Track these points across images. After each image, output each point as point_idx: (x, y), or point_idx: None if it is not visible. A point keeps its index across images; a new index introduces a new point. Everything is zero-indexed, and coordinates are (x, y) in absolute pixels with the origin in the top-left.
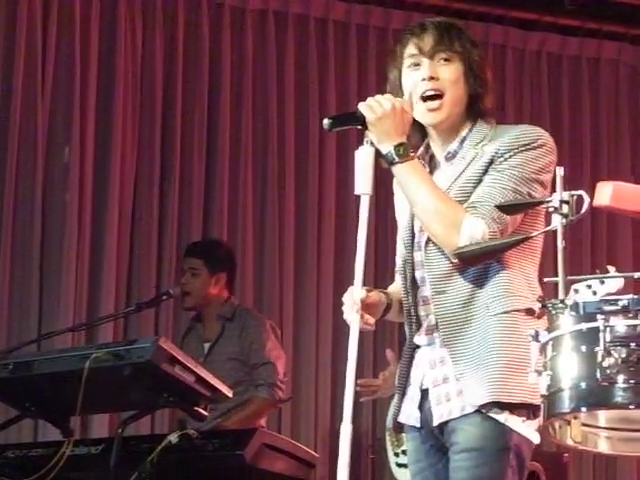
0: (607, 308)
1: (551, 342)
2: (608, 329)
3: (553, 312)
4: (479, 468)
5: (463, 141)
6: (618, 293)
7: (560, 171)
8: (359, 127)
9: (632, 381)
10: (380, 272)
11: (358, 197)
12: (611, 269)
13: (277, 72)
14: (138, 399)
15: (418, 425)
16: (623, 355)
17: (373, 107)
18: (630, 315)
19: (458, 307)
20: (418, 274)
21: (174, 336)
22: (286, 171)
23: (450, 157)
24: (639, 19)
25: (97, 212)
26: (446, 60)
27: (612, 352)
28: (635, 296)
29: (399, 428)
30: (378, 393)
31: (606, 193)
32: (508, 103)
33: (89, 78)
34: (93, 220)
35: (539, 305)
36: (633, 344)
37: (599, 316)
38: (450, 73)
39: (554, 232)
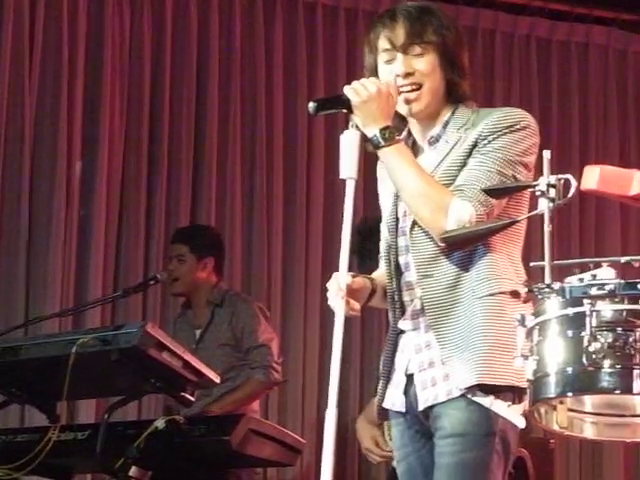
0: (594, 292)
1: (537, 327)
2: (594, 314)
3: (539, 296)
4: (465, 453)
5: (446, 125)
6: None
7: (547, 154)
8: (344, 111)
9: (618, 366)
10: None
11: (345, 182)
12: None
13: (265, 56)
14: (125, 384)
15: (403, 410)
16: (609, 340)
17: (358, 90)
18: (616, 300)
19: (444, 290)
20: (402, 259)
21: (162, 321)
22: (274, 156)
23: (433, 141)
24: (628, 4)
25: (85, 197)
26: (420, 53)
27: (598, 337)
28: (622, 280)
29: (384, 415)
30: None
31: (593, 177)
32: (497, 87)
33: (77, 64)
34: (81, 205)
35: (525, 289)
36: (619, 329)
37: (585, 300)
38: (425, 65)
39: (541, 216)
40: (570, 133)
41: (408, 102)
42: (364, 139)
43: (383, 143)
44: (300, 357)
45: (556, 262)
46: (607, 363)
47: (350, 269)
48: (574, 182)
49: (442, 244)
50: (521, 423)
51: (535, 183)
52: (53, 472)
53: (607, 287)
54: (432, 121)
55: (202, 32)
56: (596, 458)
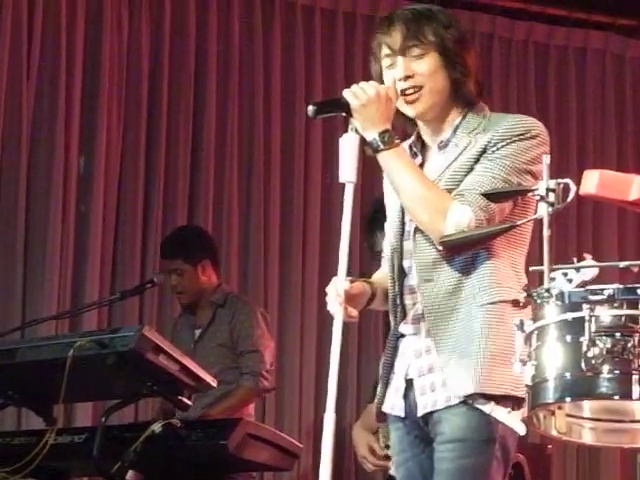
0: (593, 298)
1: (536, 332)
2: (593, 319)
3: (538, 301)
4: (464, 459)
5: (456, 129)
6: (594, 281)
7: (546, 159)
8: (344, 114)
9: (617, 371)
10: (365, 260)
11: (344, 185)
12: (587, 257)
13: (264, 59)
14: (122, 388)
15: (402, 415)
16: (608, 345)
17: (357, 94)
18: (616, 305)
19: (444, 296)
20: (406, 263)
21: (158, 324)
22: (271, 159)
23: (443, 146)
24: (626, 9)
25: (82, 200)
26: (420, 55)
27: (597, 342)
28: (621, 286)
29: (382, 418)
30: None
31: (592, 181)
32: (495, 92)
33: (75, 64)
34: (78, 208)
35: (524, 294)
36: (618, 334)
37: (584, 306)
38: (425, 67)
39: (540, 221)
40: (567, 138)
41: (409, 103)
42: (363, 143)
43: (382, 147)
44: (297, 360)
45: (555, 267)
46: (606, 368)
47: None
48: (573, 187)
49: (441, 247)
50: (521, 430)
51: (534, 187)
52: (50, 475)
53: (606, 292)
54: (441, 124)
55: (200, 35)
56: (593, 463)
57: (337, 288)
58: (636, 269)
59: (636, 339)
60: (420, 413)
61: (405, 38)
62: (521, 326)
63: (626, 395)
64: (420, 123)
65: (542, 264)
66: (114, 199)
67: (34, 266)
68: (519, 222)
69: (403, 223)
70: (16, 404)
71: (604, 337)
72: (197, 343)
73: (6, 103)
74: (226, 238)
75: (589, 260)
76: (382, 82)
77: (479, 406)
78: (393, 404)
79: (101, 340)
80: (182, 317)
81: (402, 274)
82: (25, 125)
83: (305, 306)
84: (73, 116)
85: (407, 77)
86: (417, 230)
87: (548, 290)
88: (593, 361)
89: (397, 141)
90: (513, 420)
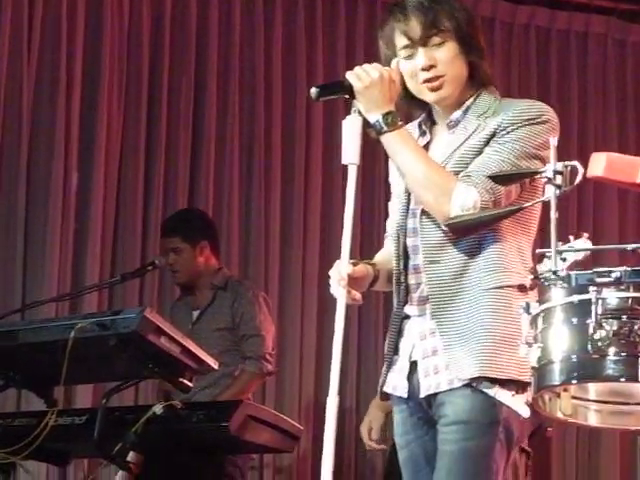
0: (599, 280)
1: (542, 314)
2: (600, 301)
3: (545, 284)
4: (468, 441)
5: (467, 111)
6: (598, 264)
7: (553, 141)
8: (346, 96)
9: (623, 354)
10: (366, 243)
11: (345, 168)
12: (584, 235)
13: (265, 44)
14: (123, 370)
15: (406, 396)
16: (615, 328)
17: (361, 76)
18: (622, 287)
19: (450, 278)
20: (410, 241)
21: (159, 307)
22: (272, 142)
23: (452, 125)
24: None
25: (82, 182)
26: (440, 43)
27: (604, 324)
28: (628, 268)
29: (385, 397)
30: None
31: (600, 164)
32: (496, 77)
33: (75, 56)
34: (78, 190)
35: (531, 277)
36: (625, 316)
37: (591, 288)
38: (446, 55)
39: (546, 204)
40: (569, 122)
41: (433, 91)
42: (366, 125)
43: (386, 128)
44: (297, 344)
45: (562, 248)
46: (612, 351)
47: None
48: (581, 169)
49: (447, 229)
50: (525, 412)
51: (542, 170)
52: (50, 456)
53: (613, 274)
54: (452, 104)
55: (201, 19)
56: (593, 446)
57: (340, 271)
58: None
59: None
60: (423, 394)
61: (424, 27)
62: (527, 308)
63: (632, 377)
64: (435, 106)
65: (548, 247)
66: (114, 181)
67: (34, 248)
68: (526, 204)
69: (408, 201)
70: (17, 386)
71: (610, 319)
72: (195, 325)
73: (6, 92)
74: (227, 222)
75: (584, 241)
76: (388, 65)
77: (483, 389)
78: (395, 385)
79: (102, 322)
80: (180, 300)
81: (406, 253)
82: (25, 113)
83: (306, 289)
84: (74, 104)
85: (431, 66)
86: (423, 211)
87: (555, 272)
88: (599, 343)
89: (400, 123)
90: (517, 403)
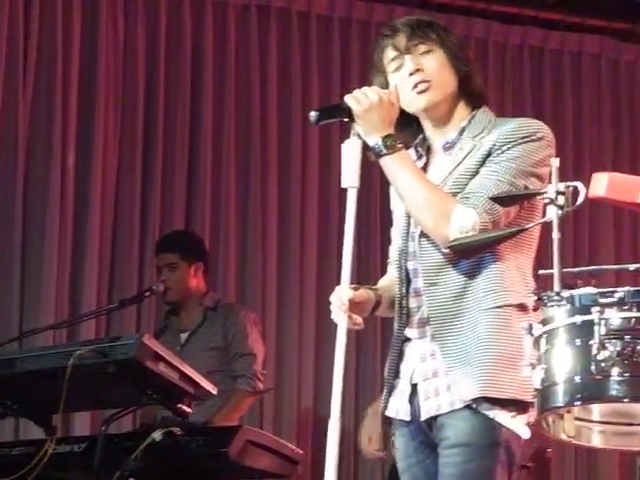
0: (602, 300)
1: (545, 335)
2: (603, 322)
3: (548, 304)
4: (468, 464)
5: (462, 132)
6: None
7: (555, 162)
8: (346, 120)
9: (627, 374)
10: (363, 267)
11: (341, 191)
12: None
13: (260, 66)
14: (121, 396)
15: (408, 419)
16: (618, 348)
17: (359, 99)
18: (625, 307)
19: (450, 300)
20: (411, 265)
21: (155, 333)
22: (269, 165)
23: (448, 147)
24: (621, 13)
25: (79, 208)
26: (426, 51)
27: (607, 345)
28: (631, 288)
29: (387, 422)
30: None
31: (602, 184)
32: (490, 97)
33: (71, 72)
34: (75, 216)
35: (534, 298)
36: (628, 337)
37: (594, 308)
38: (434, 61)
39: (548, 224)
40: (564, 141)
41: (419, 93)
42: (365, 148)
43: (385, 151)
44: (295, 364)
45: (566, 270)
46: (616, 371)
47: None
48: (583, 189)
49: (446, 251)
50: (525, 434)
51: (543, 191)
52: None
53: (616, 295)
54: (447, 123)
55: (196, 42)
56: (591, 468)
57: (341, 296)
58: None
59: None
60: (424, 417)
61: (411, 37)
62: (530, 329)
63: (636, 398)
64: (427, 123)
65: (550, 268)
66: (111, 206)
67: (31, 275)
68: (528, 225)
69: (409, 225)
70: (15, 414)
71: (614, 340)
72: (184, 347)
73: (3, 107)
74: (223, 244)
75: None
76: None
77: (483, 410)
78: (398, 408)
79: (101, 349)
80: (165, 325)
81: (408, 277)
82: (21, 133)
83: (304, 311)
84: (70, 121)
85: (417, 70)
86: (422, 234)
87: (558, 293)
88: (603, 364)
89: (400, 146)
90: (517, 424)
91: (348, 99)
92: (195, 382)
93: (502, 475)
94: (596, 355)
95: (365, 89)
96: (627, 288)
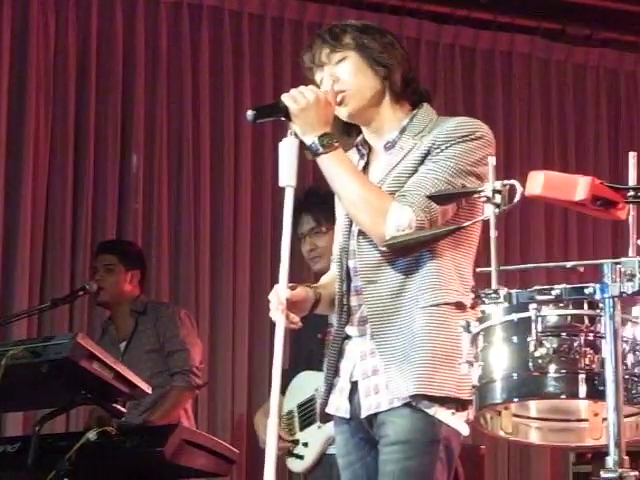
0: (539, 297)
1: (482, 333)
2: (540, 319)
3: (487, 302)
4: (408, 460)
5: (403, 131)
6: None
7: (492, 160)
8: (283, 118)
9: (563, 371)
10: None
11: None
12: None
13: (192, 65)
14: (56, 396)
15: (347, 416)
16: (555, 345)
17: (296, 98)
18: (562, 305)
19: (387, 298)
20: (352, 263)
21: (89, 333)
22: (201, 164)
23: (389, 147)
24: (551, 13)
25: (10, 207)
26: (340, 60)
27: (544, 342)
28: (568, 286)
29: (325, 419)
30: None
31: (538, 182)
32: None
33: (1, 70)
34: (5, 215)
35: (472, 296)
36: (564, 334)
37: (531, 306)
38: (347, 69)
39: (485, 222)
40: (495, 140)
41: (339, 105)
42: (302, 147)
43: (321, 150)
44: (229, 364)
45: (503, 267)
46: (553, 368)
47: None
48: (519, 188)
49: (384, 249)
50: (465, 431)
51: (480, 189)
52: None
53: (553, 292)
54: (385, 126)
55: (128, 40)
56: (524, 463)
57: (278, 296)
58: (582, 269)
59: (582, 339)
60: (364, 415)
61: (322, 49)
62: (467, 327)
63: (573, 394)
64: (361, 126)
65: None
66: (42, 205)
67: None
68: (466, 224)
69: (350, 223)
70: None
71: (550, 337)
72: (124, 355)
73: None
74: (156, 247)
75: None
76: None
77: (423, 408)
78: (338, 406)
79: (34, 349)
80: (104, 335)
81: (349, 275)
82: None
83: (237, 311)
84: (0, 122)
85: (333, 82)
86: (360, 232)
87: (496, 291)
88: (540, 361)
89: (336, 144)
90: (457, 421)
91: (285, 98)
92: (130, 381)
93: (442, 472)
94: (533, 352)
95: (302, 88)
96: (564, 285)
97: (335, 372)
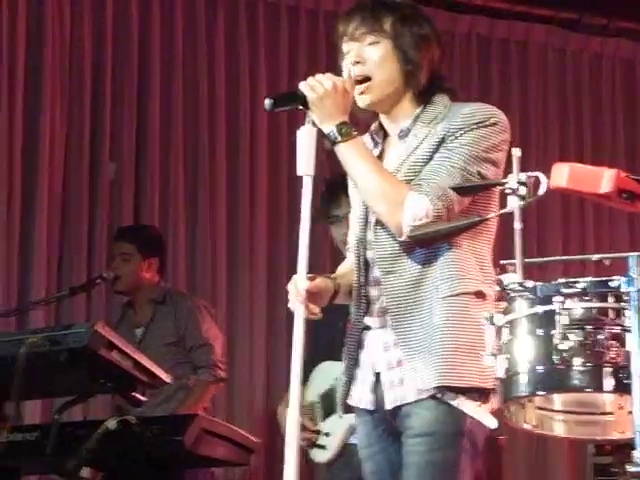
0: (564, 291)
1: (507, 325)
2: (564, 312)
3: (512, 295)
4: (433, 453)
5: (416, 119)
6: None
7: (517, 152)
8: (300, 107)
9: (588, 364)
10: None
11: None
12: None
13: (207, 54)
14: (74, 385)
15: (372, 408)
16: (579, 338)
17: (314, 87)
18: (587, 298)
19: (407, 288)
20: (370, 254)
21: (106, 321)
22: (217, 154)
23: (403, 135)
24: (568, 3)
25: (27, 196)
26: (373, 42)
27: (568, 335)
28: (593, 279)
29: (347, 410)
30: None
31: (563, 174)
32: None
33: (17, 68)
34: (23, 204)
35: (497, 288)
36: (589, 327)
37: (555, 299)
38: (377, 54)
39: (508, 214)
40: (511, 130)
41: (361, 94)
42: (321, 135)
43: (340, 139)
44: (247, 356)
45: (528, 260)
46: (577, 361)
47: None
48: (544, 180)
49: (401, 239)
50: (492, 423)
51: (504, 181)
52: (1, 474)
53: (579, 285)
54: (399, 114)
55: (143, 30)
56: (540, 454)
57: (297, 286)
58: (608, 262)
59: (607, 332)
60: (389, 407)
61: (360, 25)
62: (491, 319)
63: (598, 387)
64: (379, 113)
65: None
66: (59, 194)
67: None
68: (489, 216)
69: (367, 213)
70: None
71: (575, 330)
72: (141, 342)
73: None
74: (172, 235)
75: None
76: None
77: (447, 400)
78: (360, 397)
79: (53, 337)
80: (121, 319)
81: (367, 265)
82: None
83: (254, 301)
84: (15, 120)
85: (357, 62)
86: (377, 222)
87: (521, 284)
88: (565, 354)
89: (355, 133)
90: (483, 414)
91: (303, 86)
92: (149, 371)
93: (467, 464)
94: (558, 345)
95: (319, 76)
96: (589, 278)
97: (355, 363)
